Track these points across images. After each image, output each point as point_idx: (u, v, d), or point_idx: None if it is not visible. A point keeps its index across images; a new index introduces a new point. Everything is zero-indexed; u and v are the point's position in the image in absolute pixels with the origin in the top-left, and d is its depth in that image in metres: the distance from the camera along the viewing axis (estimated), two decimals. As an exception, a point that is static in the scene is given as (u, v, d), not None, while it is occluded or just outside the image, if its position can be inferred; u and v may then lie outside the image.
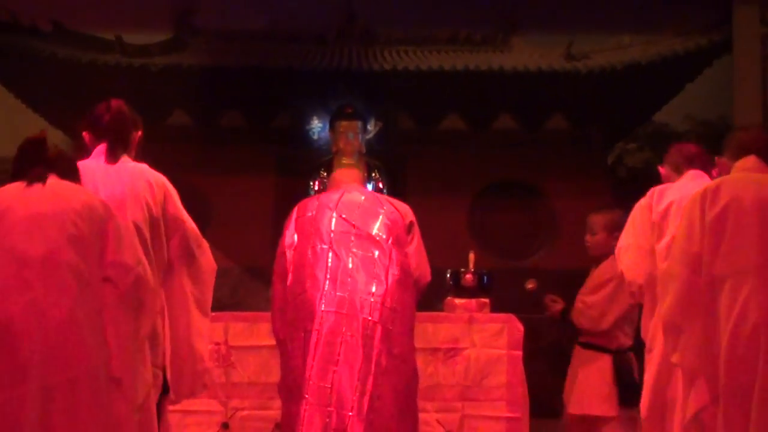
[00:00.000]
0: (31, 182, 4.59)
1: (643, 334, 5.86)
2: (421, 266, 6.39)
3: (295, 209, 6.43)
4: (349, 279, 6.11)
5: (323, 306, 6.02)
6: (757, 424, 4.58)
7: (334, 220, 6.27)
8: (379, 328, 5.99)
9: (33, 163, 4.66)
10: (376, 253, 6.20)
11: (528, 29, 8.54)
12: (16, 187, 4.62)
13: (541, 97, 8.56)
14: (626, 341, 7.06)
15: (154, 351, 5.31)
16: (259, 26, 8.53)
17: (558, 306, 7.25)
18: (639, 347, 6.43)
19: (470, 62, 8.55)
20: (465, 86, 8.62)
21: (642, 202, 5.74)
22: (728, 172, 4.99)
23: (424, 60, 8.54)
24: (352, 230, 6.27)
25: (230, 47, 8.57)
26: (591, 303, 7.05)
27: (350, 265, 6.16)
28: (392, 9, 8.37)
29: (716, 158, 5.30)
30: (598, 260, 7.16)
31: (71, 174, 4.81)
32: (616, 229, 6.72)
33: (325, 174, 6.95)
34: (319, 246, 6.21)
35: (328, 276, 6.14)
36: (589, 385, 6.98)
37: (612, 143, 8.34)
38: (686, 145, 5.68)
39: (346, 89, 8.12)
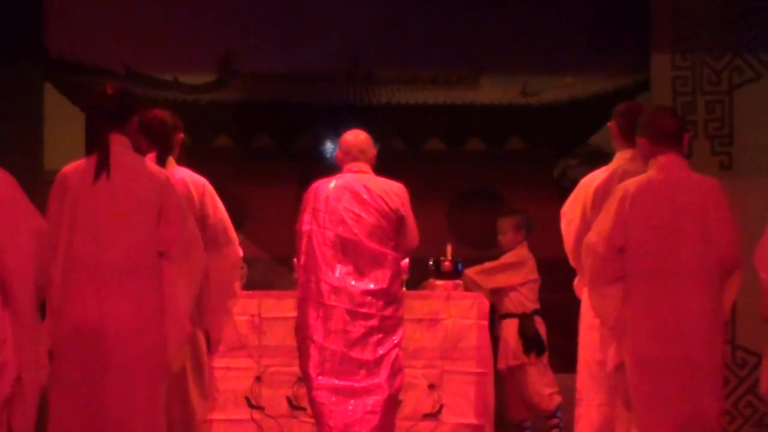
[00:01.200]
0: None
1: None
2: (411, 234, 6.22)
3: (311, 192, 6.20)
4: (343, 269, 6.05)
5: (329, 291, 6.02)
6: (663, 400, 4.53)
7: (338, 210, 6.05)
8: (375, 314, 6.00)
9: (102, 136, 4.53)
10: (371, 253, 6.06)
11: (492, 72, 8.48)
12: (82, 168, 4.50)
13: (503, 124, 8.56)
14: (530, 306, 7.32)
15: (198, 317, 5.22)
16: (283, 70, 8.43)
17: None
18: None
19: (447, 98, 8.59)
20: (443, 116, 8.61)
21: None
22: (649, 155, 4.82)
23: (412, 96, 8.58)
24: (351, 230, 6.06)
25: (261, 86, 8.55)
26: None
27: (360, 262, 6.07)
28: (387, 56, 8.47)
29: (637, 137, 5.03)
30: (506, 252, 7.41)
31: None
32: (520, 227, 7.13)
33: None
34: (327, 235, 6.06)
35: (328, 274, 6.07)
36: (506, 344, 7.24)
37: (557, 160, 8.27)
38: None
39: (351, 118, 8.11)
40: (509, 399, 7.25)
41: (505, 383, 7.23)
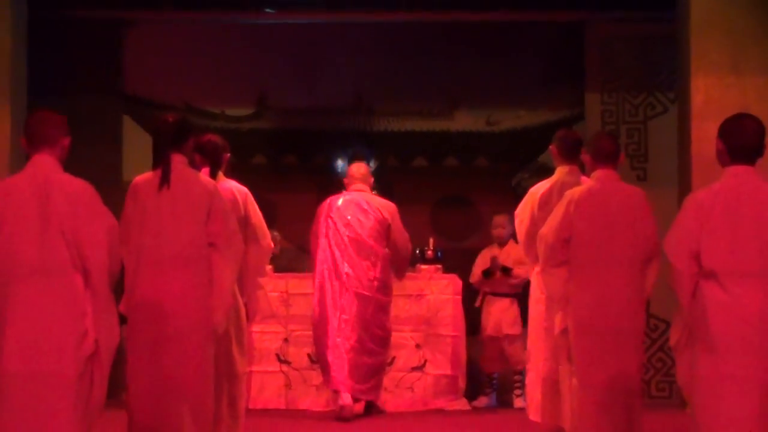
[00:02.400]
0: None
1: None
2: (404, 242, 6.60)
3: (325, 206, 6.60)
4: (354, 260, 6.42)
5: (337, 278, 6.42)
6: (597, 359, 4.48)
7: (346, 218, 6.48)
8: (372, 301, 6.42)
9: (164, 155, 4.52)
10: (369, 249, 6.43)
11: (463, 107, 8.49)
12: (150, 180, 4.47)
13: (472, 147, 8.54)
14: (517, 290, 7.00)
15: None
16: (304, 105, 8.42)
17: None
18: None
19: (429, 126, 8.56)
20: (426, 140, 8.57)
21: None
22: (591, 168, 4.81)
23: (402, 125, 8.56)
24: (355, 232, 6.47)
25: (288, 117, 8.54)
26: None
27: (357, 256, 6.43)
28: (384, 95, 8.45)
29: (582, 151, 5.10)
30: (502, 242, 7.10)
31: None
32: (508, 224, 6.72)
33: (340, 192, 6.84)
34: (333, 236, 6.45)
35: (346, 263, 6.43)
36: (506, 316, 6.96)
37: (513, 174, 8.28)
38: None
39: (356, 142, 8.30)
40: (488, 355, 7.05)
41: (489, 344, 7.02)
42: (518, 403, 6.80)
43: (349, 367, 6.32)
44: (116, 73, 7.96)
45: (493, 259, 6.92)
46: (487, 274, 6.95)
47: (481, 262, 7.13)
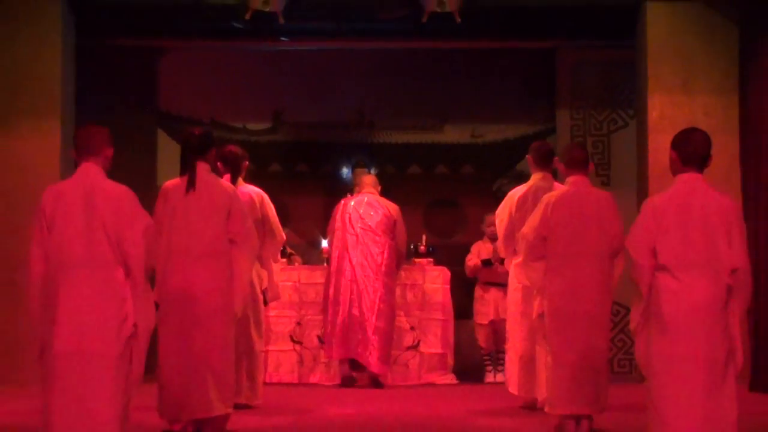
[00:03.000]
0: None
1: None
2: (403, 239, 6.72)
3: (340, 205, 6.70)
4: (367, 260, 6.51)
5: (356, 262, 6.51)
6: (572, 347, 4.46)
7: (359, 213, 6.61)
8: (380, 281, 6.50)
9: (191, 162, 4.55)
10: (378, 239, 6.53)
11: (452, 122, 8.43)
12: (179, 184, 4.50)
13: (459, 156, 8.48)
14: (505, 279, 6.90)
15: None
16: (314, 120, 8.38)
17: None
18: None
19: (422, 139, 8.49)
20: (420, 151, 8.50)
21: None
22: (565, 174, 4.80)
23: (399, 138, 8.50)
24: (366, 224, 6.57)
25: (300, 131, 8.48)
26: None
27: (369, 245, 6.52)
28: (383, 111, 8.40)
29: (556, 160, 5.15)
30: (494, 238, 6.91)
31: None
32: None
33: (349, 195, 6.87)
34: (344, 247, 6.54)
35: (361, 250, 6.53)
36: (505, 302, 6.64)
37: (495, 180, 8.24)
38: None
39: (359, 153, 8.28)
40: (487, 333, 6.97)
41: (488, 327, 6.95)
42: (488, 378, 6.90)
43: (358, 339, 6.40)
44: (151, 93, 7.99)
45: (495, 252, 6.80)
46: (486, 263, 6.91)
47: (473, 255, 7.11)
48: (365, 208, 6.59)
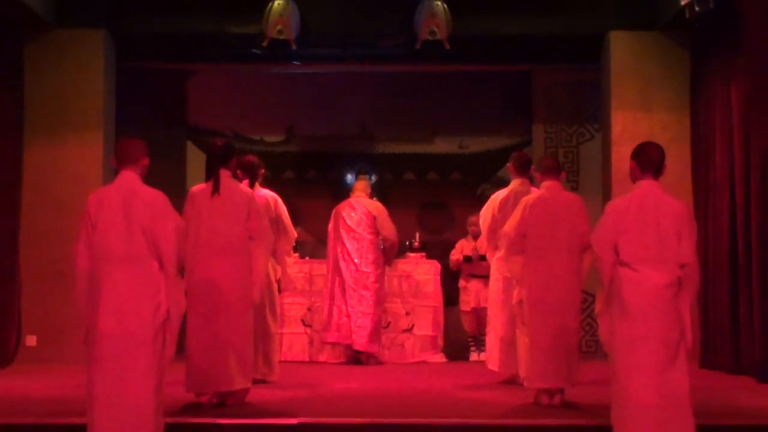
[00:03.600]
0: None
1: None
2: (390, 232, 6.62)
3: (335, 211, 6.74)
4: (353, 245, 6.54)
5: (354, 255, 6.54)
6: (547, 329, 4.48)
7: (343, 215, 6.65)
8: (363, 273, 6.52)
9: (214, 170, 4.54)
10: (356, 236, 6.55)
11: (442, 134, 8.33)
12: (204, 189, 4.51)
13: (448, 164, 8.38)
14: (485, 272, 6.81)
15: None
16: (322, 133, 8.30)
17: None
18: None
19: (416, 149, 8.41)
20: (414, 159, 8.41)
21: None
22: (540, 180, 4.82)
23: (396, 148, 8.41)
24: (347, 224, 6.60)
25: (309, 142, 8.39)
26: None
27: (354, 242, 6.55)
28: (382, 125, 8.33)
29: (532, 168, 5.19)
30: (477, 236, 6.75)
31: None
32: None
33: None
34: (338, 243, 6.58)
35: (350, 243, 6.54)
36: (485, 292, 6.60)
37: (479, 185, 8.19)
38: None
39: (361, 162, 8.15)
40: (471, 319, 6.92)
41: (472, 314, 6.89)
42: (473, 357, 6.86)
43: (351, 324, 6.43)
44: (181, 110, 7.97)
45: (475, 249, 6.73)
46: (467, 259, 6.88)
47: (457, 251, 7.06)
48: (347, 210, 6.63)
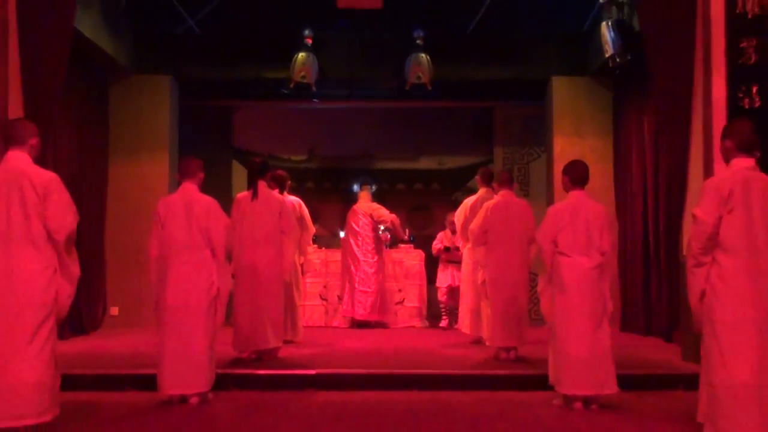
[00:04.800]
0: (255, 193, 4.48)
1: None
2: (389, 219, 6.53)
3: (349, 212, 6.70)
4: (359, 244, 6.45)
5: (357, 251, 6.44)
6: (503, 301, 4.47)
7: (356, 218, 6.56)
8: (374, 262, 6.45)
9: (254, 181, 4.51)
10: (363, 232, 6.48)
11: (425, 154, 8.28)
12: (246, 195, 4.48)
13: (430, 177, 8.33)
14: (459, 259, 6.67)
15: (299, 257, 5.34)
16: (334, 154, 8.22)
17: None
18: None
19: (405, 166, 8.33)
20: (404, 174, 8.36)
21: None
22: (498, 189, 4.82)
23: (390, 165, 8.35)
24: (358, 224, 6.51)
25: (326, 161, 8.31)
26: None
27: (361, 243, 6.46)
28: (380, 147, 8.26)
29: (493, 182, 5.14)
30: (454, 231, 6.59)
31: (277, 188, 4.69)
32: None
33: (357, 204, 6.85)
34: (351, 236, 6.52)
35: (355, 241, 6.46)
36: (455, 274, 6.41)
37: (453, 192, 8.14)
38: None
39: (364, 175, 7.95)
40: (444, 293, 6.64)
41: (444, 290, 6.61)
42: (443, 323, 6.56)
43: (359, 299, 6.41)
44: (228, 136, 7.91)
45: (452, 242, 6.58)
46: (447, 249, 6.68)
47: (438, 241, 6.83)
48: (354, 219, 6.55)
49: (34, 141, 2.84)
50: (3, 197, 2.70)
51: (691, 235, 2.86)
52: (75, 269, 2.81)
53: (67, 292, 2.78)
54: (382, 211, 6.60)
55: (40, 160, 2.93)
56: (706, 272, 2.78)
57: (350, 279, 6.50)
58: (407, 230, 7.13)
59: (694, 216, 2.82)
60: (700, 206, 2.79)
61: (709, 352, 2.78)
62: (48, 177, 2.76)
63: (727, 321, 2.72)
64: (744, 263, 2.72)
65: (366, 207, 6.63)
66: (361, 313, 6.42)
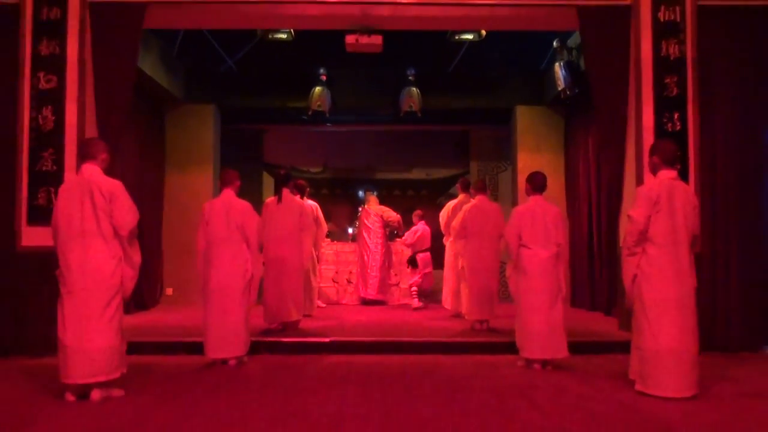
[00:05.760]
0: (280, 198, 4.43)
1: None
2: (392, 219, 6.39)
3: (361, 212, 6.65)
4: (370, 237, 6.33)
5: (369, 243, 6.31)
6: (478, 283, 4.43)
7: (368, 217, 6.47)
8: (382, 252, 6.28)
9: (279, 188, 4.47)
10: (374, 228, 6.37)
11: (416, 167, 8.34)
12: (273, 200, 4.44)
13: (420, 186, 8.36)
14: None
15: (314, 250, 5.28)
16: (344, 166, 8.23)
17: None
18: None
19: (401, 176, 8.35)
20: (399, 183, 8.44)
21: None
22: (474, 194, 4.73)
23: (388, 176, 8.37)
24: (371, 221, 6.42)
25: (337, 172, 8.31)
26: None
27: (372, 237, 6.31)
28: (381, 162, 8.25)
29: (470, 188, 5.06)
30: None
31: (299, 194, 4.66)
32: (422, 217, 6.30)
33: (362, 207, 6.80)
34: (364, 231, 6.42)
35: (367, 235, 6.36)
36: (428, 261, 6.24)
37: (438, 197, 8.12)
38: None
39: (368, 184, 8.07)
40: (425, 278, 6.52)
41: (426, 276, 6.51)
42: (415, 304, 6.19)
43: (370, 282, 6.38)
44: (259, 152, 7.86)
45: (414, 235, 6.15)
46: (413, 262, 6.13)
47: (410, 234, 6.40)
48: (366, 214, 6.50)
49: (104, 156, 2.86)
50: (78, 201, 2.72)
51: (627, 231, 2.90)
52: (136, 258, 2.81)
53: (129, 276, 2.78)
54: (391, 213, 6.57)
55: (111, 171, 2.95)
56: (637, 260, 2.85)
57: (362, 265, 6.48)
58: (401, 229, 7.14)
59: (629, 216, 2.87)
60: (635, 208, 2.85)
61: (638, 323, 2.85)
62: (113, 184, 2.77)
63: (653, 298, 2.79)
64: (667, 253, 2.79)
65: (377, 208, 6.60)
66: (370, 293, 6.40)
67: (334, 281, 6.74)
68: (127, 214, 2.75)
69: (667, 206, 2.79)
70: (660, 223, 2.78)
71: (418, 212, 6.36)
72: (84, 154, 2.83)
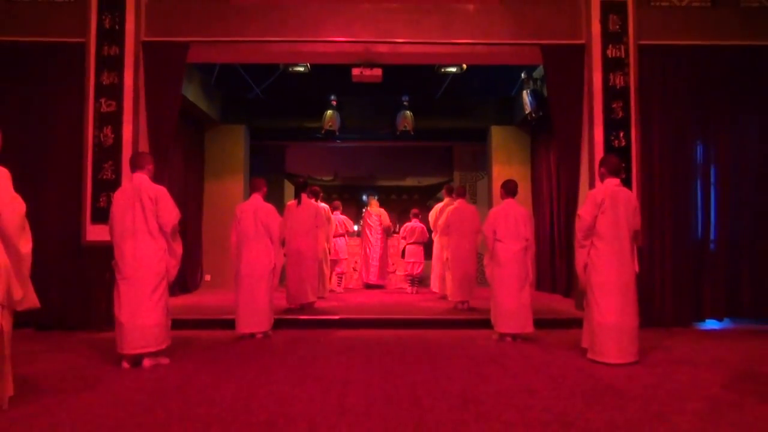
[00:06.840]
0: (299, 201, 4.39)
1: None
2: (388, 223, 6.27)
3: (365, 213, 6.51)
4: (372, 233, 6.22)
5: (371, 238, 6.19)
6: (460, 271, 4.39)
7: (371, 217, 6.37)
8: (381, 245, 6.16)
9: (299, 192, 4.43)
10: (375, 226, 6.27)
11: (409, 176, 8.16)
12: (293, 203, 4.40)
13: (413, 191, 8.20)
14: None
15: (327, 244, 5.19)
16: (351, 175, 8.08)
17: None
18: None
19: (397, 184, 8.20)
20: (396, 189, 8.26)
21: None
22: (456, 198, 4.70)
23: (387, 183, 8.24)
24: (373, 221, 6.33)
25: (346, 180, 8.18)
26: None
27: (373, 233, 6.24)
28: (381, 172, 8.13)
29: (453, 194, 5.02)
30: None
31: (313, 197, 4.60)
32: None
33: (366, 209, 6.70)
34: (367, 228, 6.33)
35: (369, 232, 6.26)
36: (416, 252, 6.06)
37: (428, 201, 8.03)
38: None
39: (370, 191, 7.96)
40: (413, 266, 6.42)
41: (417, 264, 6.38)
42: (408, 290, 6.05)
43: (372, 270, 6.34)
44: (282, 164, 7.78)
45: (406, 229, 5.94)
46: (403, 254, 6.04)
47: (403, 231, 6.27)
48: (369, 215, 6.44)
49: (150, 167, 2.89)
50: (130, 205, 2.76)
51: (576, 227, 2.96)
52: (179, 250, 2.82)
53: (173, 264, 2.81)
54: (386, 218, 6.54)
55: (160, 179, 3.03)
56: (587, 251, 2.91)
57: (365, 256, 6.45)
58: (397, 226, 7.09)
59: (578, 215, 2.94)
60: (583, 209, 2.93)
61: (589, 303, 2.91)
62: (158, 189, 2.79)
63: (600, 282, 2.86)
64: (611, 245, 2.86)
65: (377, 210, 6.57)
66: (372, 279, 6.38)
67: (353, 269, 6.68)
68: (170, 214, 2.78)
69: (611, 207, 2.86)
70: (605, 221, 2.85)
71: (414, 210, 6.38)
72: (134, 165, 2.87)
